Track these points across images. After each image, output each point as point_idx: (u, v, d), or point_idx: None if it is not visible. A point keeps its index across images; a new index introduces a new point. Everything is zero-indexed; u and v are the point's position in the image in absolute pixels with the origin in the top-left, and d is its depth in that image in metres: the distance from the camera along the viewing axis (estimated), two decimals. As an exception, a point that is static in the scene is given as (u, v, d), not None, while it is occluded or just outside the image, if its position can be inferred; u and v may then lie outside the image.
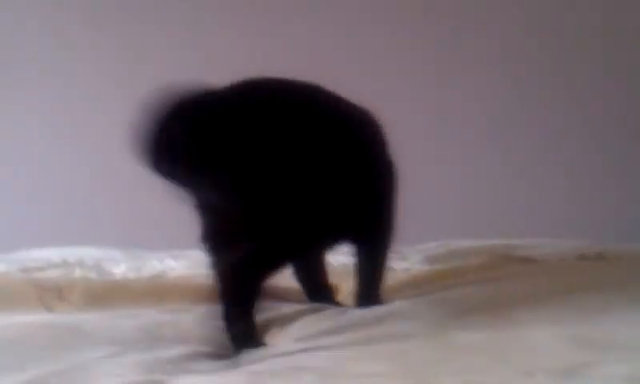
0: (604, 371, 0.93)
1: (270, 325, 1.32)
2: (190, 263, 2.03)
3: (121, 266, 1.99)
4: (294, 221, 1.28)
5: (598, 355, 1.00)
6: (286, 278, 1.35)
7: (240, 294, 1.28)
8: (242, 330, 1.26)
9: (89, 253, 2.16)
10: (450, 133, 2.90)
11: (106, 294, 1.67)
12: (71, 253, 2.14)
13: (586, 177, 2.89)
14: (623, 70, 2.91)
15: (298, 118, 1.30)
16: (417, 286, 1.69)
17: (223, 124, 1.26)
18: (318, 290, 1.54)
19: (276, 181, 1.25)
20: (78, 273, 1.93)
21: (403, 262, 2.01)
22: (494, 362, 1.01)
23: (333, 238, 1.40)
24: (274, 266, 1.30)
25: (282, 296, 1.41)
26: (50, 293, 1.65)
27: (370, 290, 1.55)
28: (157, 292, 1.69)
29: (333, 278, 1.57)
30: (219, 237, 1.31)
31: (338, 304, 1.49)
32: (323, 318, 1.35)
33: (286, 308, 1.45)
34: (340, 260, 1.63)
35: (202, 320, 1.44)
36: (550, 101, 2.91)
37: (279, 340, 1.31)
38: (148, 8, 2.95)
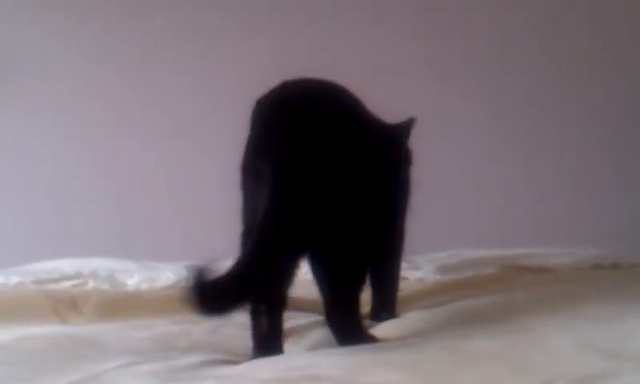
0: (621, 381, 0.92)
1: (285, 334, 1.32)
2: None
3: (134, 278, 1.99)
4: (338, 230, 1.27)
5: (616, 365, 0.99)
6: (300, 289, 1.34)
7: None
8: (265, 330, 1.26)
9: (102, 264, 2.16)
10: (462, 142, 2.89)
11: (120, 306, 1.68)
12: (85, 264, 2.15)
13: (599, 185, 2.87)
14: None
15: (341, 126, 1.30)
16: (431, 297, 1.69)
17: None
18: None
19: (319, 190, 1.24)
20: (91, 284, 1.93)
21: (416, 271, 2.01)
22: (511, 371, 1.00)
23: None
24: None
25: (296, 306, 1.40)
26: (64, 304, 1.66)
27: (385, 303, 1.56)
28: (170, 303, 1.69)
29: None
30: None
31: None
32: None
33: (301, 318, 1.45)
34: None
35: (214, 329, 1.45)
36: (565, 111, 2.90)
37: (293, 349, 1.31)
38: (155, 8, 2.95)
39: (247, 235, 1.28)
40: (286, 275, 1.29)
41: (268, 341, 1.27)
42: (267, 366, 1.13)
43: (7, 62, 2.90)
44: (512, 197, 2.87)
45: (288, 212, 1.21)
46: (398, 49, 2.88)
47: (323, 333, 1.32)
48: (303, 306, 1.46)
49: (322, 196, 1.23)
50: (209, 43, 2.92)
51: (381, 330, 1.41)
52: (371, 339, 1.29)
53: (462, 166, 2.88)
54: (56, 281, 1.97)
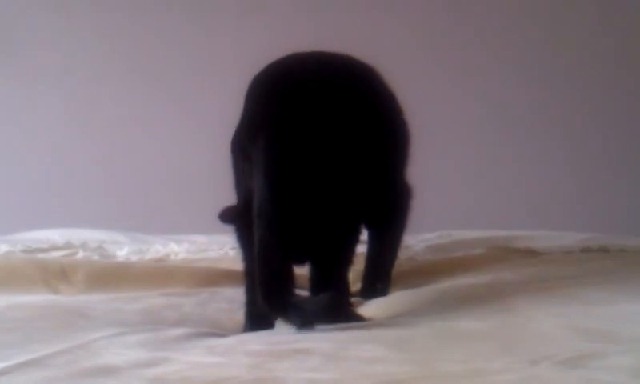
0: (608, 362, 0.93)
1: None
2: (193, 248, 2.03)
3: (124, 249, 2.00)
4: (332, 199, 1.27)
5: (601, 346, 1.00)
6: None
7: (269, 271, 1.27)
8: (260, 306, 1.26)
9: (92, 235, 2.16)
10: (452, 123, 2.89)
11: (110, 277, 1.67)
12: (74, 235, 2.15)
13: (589, 170, 2.88)
14: (624, 65, 2.90)
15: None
16: (420, 276, 1.70)
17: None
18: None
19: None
20: (81, 255, 1.93)
21: (406, 250, 2.02)
22: (498, 350, 1.01)
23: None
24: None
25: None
26: (53, 274, 1.66)
27: (379, 275, 1.56)
28: (159, 275, 1.69)
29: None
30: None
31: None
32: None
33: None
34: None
35: (203, 303, 1.45)
36: (553, 92, 2.90)
37: (282, 324, 1.31)
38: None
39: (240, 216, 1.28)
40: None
41: (261, 316, 1.27)
42: (257, 338, 1.14)
43: (7, 34, 2.88)
44: (502, 179, 2.88)
45: (276, 195, 1.21)
46: (403, 38, 2.88)
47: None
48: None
49: (311, 176, 1.22)
50: (215, 35, 2.90)
51: (371, 307, 1.41)
52: (357, 317, 1.30)
53: (453, 148, 2.89)
54: (45, 250, 1.97)
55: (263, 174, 1.21)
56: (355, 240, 1.36)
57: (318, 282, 1.30)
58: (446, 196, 2.76)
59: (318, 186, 1.23)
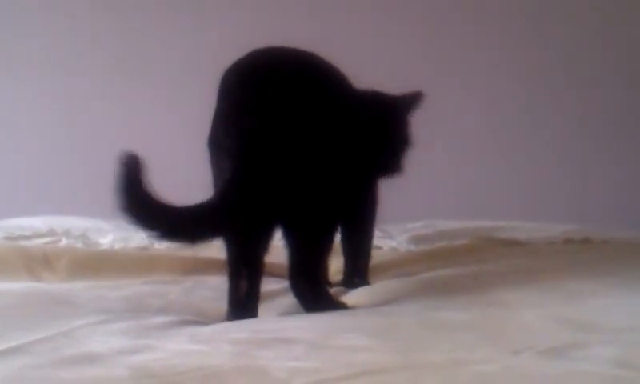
0: (590, 352, 0.93)
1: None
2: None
3: (108, 237, 1.99)
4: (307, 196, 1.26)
5: (583, 337, 1.01)
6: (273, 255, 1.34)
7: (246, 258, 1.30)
8: (243, 293, 1.28)
9: (75, 223, 2.15)
10: (437, 114, 2.88)
11: (93, 264, 1.67)
12: (58, 222, 2.13)
13: (572, 161, 2.89)
14: (617, 63, 2.91)
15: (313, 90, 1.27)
16: (403, 266, 1.70)
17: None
18: None
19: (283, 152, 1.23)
20: (64, 242, 1.92)
21: (389, 240, 2.02)
22: (481, 340, 1.01)
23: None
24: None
25: (269, 272, 1.41)
26: (36, 261, 1.65)
27: (357, 270, 1.57)
28: (143, 263, 1.69)
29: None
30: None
31: (327, 284, 1.49)
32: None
33: (273, 283, 1.45)
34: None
35: (188, 291, 1.45)
36: (537, 86, 2.91)
37: (265, 313, 1.31)
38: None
39: None
40: (261, 242, 1.30)
41: (245, 304, 1.28)
42: (240, 327, 1.14)
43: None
44: (486, 170, 2.88)
45: (248, 188, 1.21)
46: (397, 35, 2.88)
47: (293, 298, 1.32)
48: (275, 272, 1.46)
49: (285, 170, 1.22)
50: (211, 28, 2.88)
51: (353, 296, 1.42)
52: (339, 305, 1.30)
53: (438, 139, 2.89)
54: (28, 237, 1.96)
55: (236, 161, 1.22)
56: (332, 230, 1.37)
57: (297, 272, 1.30)
58: (431, 186, 2.76)
59: (291, 175, 1.24)
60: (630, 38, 2.92)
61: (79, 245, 1.91)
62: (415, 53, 2.88)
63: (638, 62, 2.92)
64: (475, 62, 2.92)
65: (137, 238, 1.91)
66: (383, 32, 2.89)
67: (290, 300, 1.34)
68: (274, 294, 1.43)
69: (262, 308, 1.32)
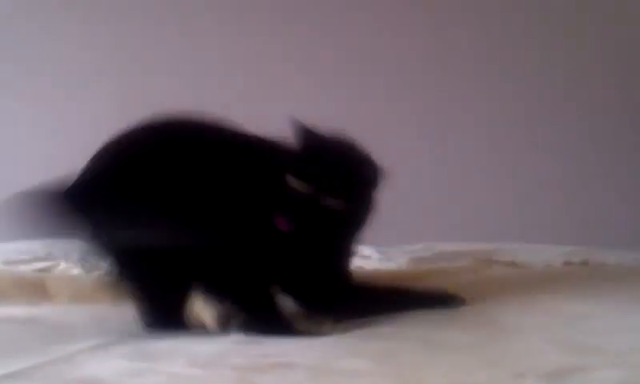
0: (593, 376, 0.93)
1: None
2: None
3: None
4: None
5: (585, 360, 1.00)
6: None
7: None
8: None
9: (74, 246, 2.13)
10: (436, 135, 2.90)
11: (92, 289, 1.66)
12: (56, 245, 2.12)
13: (572, 182, 2.89)
14: (615, 75, 2.92)
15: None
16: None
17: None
18: None
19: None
20: (62, 266, 1.92)
21: (388, 262, 2.02)
22: (482, 363, 1.01)
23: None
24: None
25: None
26: (34, 287, 1.65)
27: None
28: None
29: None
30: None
31: None
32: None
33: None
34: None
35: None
36: (537, 105, 2.92)
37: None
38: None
39: None
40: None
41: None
42: (239, 351, 1.13)
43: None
44: (486, 192, 2.88)
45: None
46: (392, 48, 2.88)
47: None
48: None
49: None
50: (199, 44, 2.89)
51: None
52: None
53: (437, 160, 2.89)
54: (27, 262, 1.95)
55: None
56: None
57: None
58: (431, 208, 2.77)
59: None
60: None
61: (78, 269, 1.90)
62: (413, 66, 2.89)
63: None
64: (474, 77, 2.92)
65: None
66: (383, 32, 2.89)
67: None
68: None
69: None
